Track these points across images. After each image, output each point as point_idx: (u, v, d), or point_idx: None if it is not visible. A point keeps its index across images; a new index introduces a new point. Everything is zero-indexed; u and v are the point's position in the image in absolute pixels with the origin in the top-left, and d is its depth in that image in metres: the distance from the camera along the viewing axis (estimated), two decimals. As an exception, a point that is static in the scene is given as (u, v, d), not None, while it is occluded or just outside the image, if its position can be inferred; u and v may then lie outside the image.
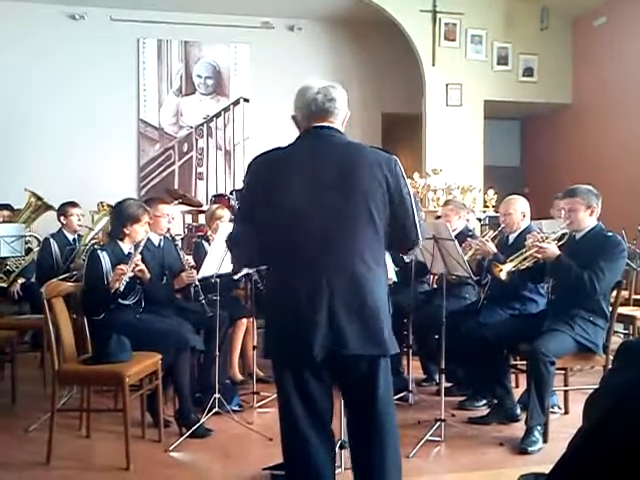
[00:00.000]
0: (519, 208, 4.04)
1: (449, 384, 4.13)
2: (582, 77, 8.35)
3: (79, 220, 5.17)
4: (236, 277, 4.19)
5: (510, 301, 3.94)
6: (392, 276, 4.07)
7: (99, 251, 3.59)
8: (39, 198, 5.86)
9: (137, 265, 3.53)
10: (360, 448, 2.25)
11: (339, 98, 2.24)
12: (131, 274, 3.49)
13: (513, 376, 4.13)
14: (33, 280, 5.17)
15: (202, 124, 8.73)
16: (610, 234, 3.55)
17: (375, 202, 2.15)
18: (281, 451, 2.31)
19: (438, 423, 3.50)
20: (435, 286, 4.83)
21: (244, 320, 4.50)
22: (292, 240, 2.16)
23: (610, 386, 0.99)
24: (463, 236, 4.33)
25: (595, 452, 0.89)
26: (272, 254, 2.21)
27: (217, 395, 3.71)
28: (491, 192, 7.24)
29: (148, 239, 3.79)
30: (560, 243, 3.59)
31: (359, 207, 2.14)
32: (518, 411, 3.72)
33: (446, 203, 4.92)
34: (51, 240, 4.97)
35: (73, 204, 5.18)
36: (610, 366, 3.50)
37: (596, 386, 1.03)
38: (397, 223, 2.21)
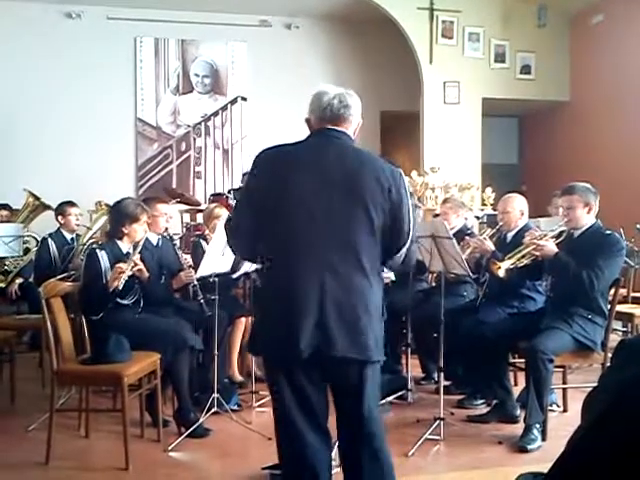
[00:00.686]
0: (517, 206, 4.04)
1: (448, 382, 4.13)
2: (580, 74, 8.35)
3: (77, 220, 5.16)
4: (235, 276, 4.20)
5: (508, 299, 3.94)
6: (390, 275, 4.08)
7: (98, 250, 3.58)
8: (37, 198, 5.85)
9: (136, 264, 3.52)
10: (348, 449, 2.25)
11: (354, 105, 2.28)
12: (130, 273, 3.48)
13: (512, 374, 4.13)
14: (31, 280, 5.17)
15: (200, 123, 8.72)
16: (608, 232, 3.55)
17: (376, 209, 2.15)
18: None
19: (437, 422, 3.50)
20: (433, 284, 4.83)
21: (243, 319, 4.49)
22: (291, 237, 2.17)
23: (609, 384, 0.99)
24: (462, 234, 4.33)
25: (594, 451, 0.88)
26: (270, 247, 2.22)
27: (216, 394, 3.71)
28: (489, 190, 7.24)
29: (146, 239, 3.78)
30: (558, 241, 3.59)
31: (360, 212, 2.15)
32: (518, 412, 3.72)
33: (445, 201, 4.92)
34: (49, 240, 4.96)
35: (71, 204, 5.17)
36: (608, 364, 3.50)
37: (595, 384, 1.03)
38: (391, 232, 2.20)
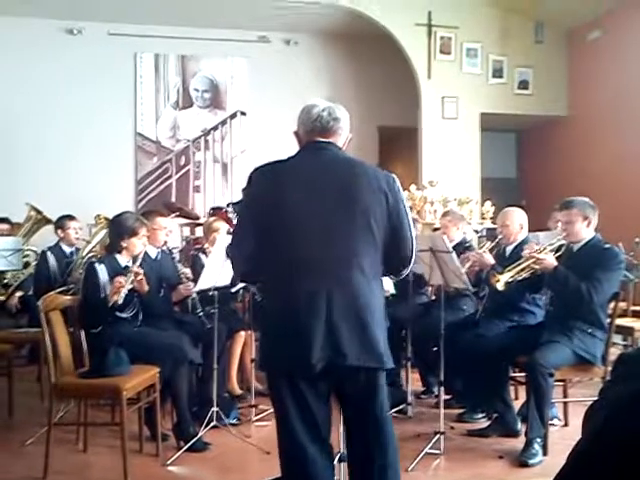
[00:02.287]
0: (516, 220, 4.06)
1: (448, 396, 4.11)
2: (577, 89, 8.41)
3: (77, 233, 5.16)
4: (234, 289, 4.20)
5: (508, 313, 3.94)
6: (390, 288, 4.08)
7: (96, 264, 3.58)
8: (39, 212, 5.85)
9: (137, 274, 3.51)
10: (359, 463, 2.24)
11: (343, 118, 2.30)
12: (130, 286, 3.48)
13: (512, 388, 4.12)
14: (31, 293, 5.16)
15: (199, 137, 8.75)
16: (607, 246, 3.56)
17: (375, 216, 2.17)
18: (279, 464, 2.30)
19: (437, 436, 3.48)
20: (433, 298, 4.82)
21: (242, 333, 4.49)
22: (292, 249, 2.17)
23: (608, 398, 0.99)
24: (461, 247, 4.33)
25: (593, 465, 0.88)
26: (271, 263, 2.21)
27: (215, 408, 3.69)
28: (488, 204, 7.25)
29: (145, 252, 3.79)
30: (557, 254, 3.60)
31: (359, 220, 2.16)
32: (518, 426, 3.70)
33: (445, 214, 4.92)
34: (48, 253, 4.96)
35: (70, 217, 5.18)
36: (609, 378, 3.49)
37: (595, 398, 1.03)
38: (394, 239, 2.22)
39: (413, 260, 2.29)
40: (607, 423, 0.90)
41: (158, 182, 8.60)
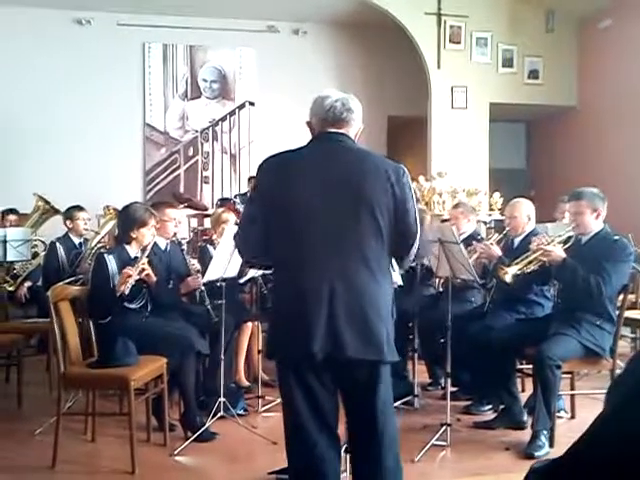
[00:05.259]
0: (524, 211, 4.03)
1: (455, 388, 4.11)
2: (587, 79, 8.33)
3: (85, 224, 5.17)
4: (241, 281, 4.21)
5: (516, 305, 3.93)
6: (398, 280, 4.07)
7: (106, 255, 3.59)
8: (47, 202, 5.87)
9: (144, 269, 3.53)
10: (359, 455, 2.25)
11: (356, 109, 2.29)
12: (137, 277, 3.49)
13: (519, 380, 4.11)
14: (39, 284, 5.19)
15: (208, 128, 8.75)
16: (616, 237, 3.53)
17: (380, 209, 2.16)
18: (285, 454, 2.31)
19: (444, 427, 3.48)
20: (441, 290, 4.81)
21: (249, 324, 4.50)
22: (298, 240, 2.18)
23: (632, 371, 0.97)
24: (472, 240, 4.31)
25: (615, 438, 0.86)
26: (278, 253, 2.22)
27: (222, 399, 3.71)
28: (497, 195, 7.21)
29: (155, 243, 3.79)
30: (566, 246, 3.58)
31: (365, 212, 2.15)
32: (525, 418, 3.69)
33: (456, 206, 4.90)
34: (57, 244, 4.97)
35: (79, 208, 5.19)
36: (617, 370, 3.48)
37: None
38: (398, 232, 2.21)
39: (413, 251, 2.26)
40: (626, 400, 0.88)
41: (166, 173, 8.62)
